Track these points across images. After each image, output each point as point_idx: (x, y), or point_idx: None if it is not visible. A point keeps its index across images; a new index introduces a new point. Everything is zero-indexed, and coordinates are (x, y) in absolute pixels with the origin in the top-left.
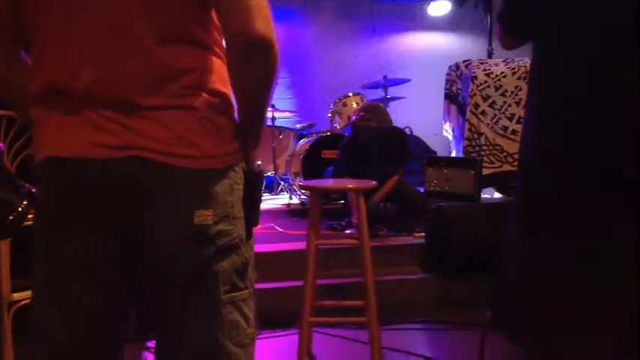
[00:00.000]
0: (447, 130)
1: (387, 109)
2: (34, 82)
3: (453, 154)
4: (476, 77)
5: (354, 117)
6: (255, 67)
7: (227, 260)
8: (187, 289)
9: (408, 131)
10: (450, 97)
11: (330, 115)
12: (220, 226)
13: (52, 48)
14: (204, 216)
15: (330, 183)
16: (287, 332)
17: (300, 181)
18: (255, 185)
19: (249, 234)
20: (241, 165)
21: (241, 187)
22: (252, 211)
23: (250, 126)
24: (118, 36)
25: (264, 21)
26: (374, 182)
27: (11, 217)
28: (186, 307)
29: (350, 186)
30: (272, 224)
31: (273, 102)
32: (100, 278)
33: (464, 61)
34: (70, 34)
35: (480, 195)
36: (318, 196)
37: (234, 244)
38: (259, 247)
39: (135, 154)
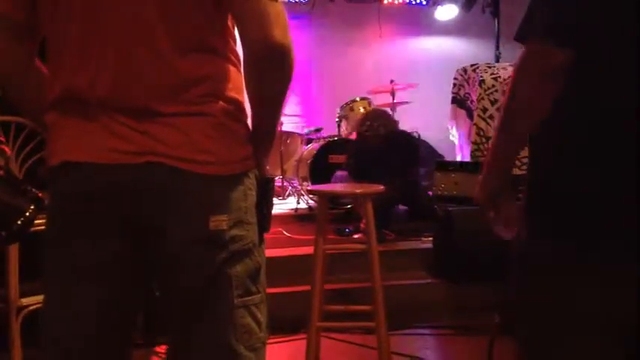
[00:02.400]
0: (454, 135)
1: (394, 113)
2: (51, 88)
3: (458, 159)
4: (484, 81)
5: (359, 127)
6: (272, 74)
7: (240, 265)
8: (201, 293)
9: (415, 135)
10: (458, 101)
11: (337, 119)
12: (234, 231)
13: (71, 55)
14: (218, 221)
15: (338, 187)
16: (294, 337)
17: (308, 186)
18: (267, 191)
19: (261, 239)
20: (254, 171)
21: (254, 192)
22: (264, 217)
23: (263, 132)
24: (137, 45)
25: (281, 29)
26: (381, 187)
27: (19, 223)
28: (200, 311)
29: (358, 191)
30: (280, 229)
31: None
32: (111, 283)
33: (471, 65)
34: (89, 42)
35: None
36: (326, 200)
37: (248, 248)
38: (267, 252)
39: (151, 159)
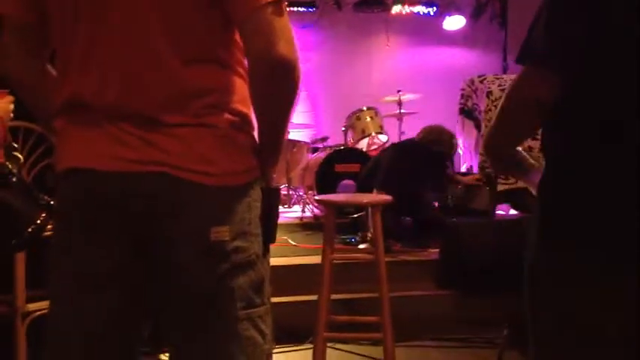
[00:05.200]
0: (460, 146)
1: (401, 123)
2: (58, 95)
3: (463, 169)
4: (491, 92)
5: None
6: (278, 88)
7: (243, 276)
8: (203, 304)
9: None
10: (465, 112)
11: (343, 129)
12: (237, 243)
13: (78, 63)
14: (221, 232)
15: (346, 197)
16: (300, 347)
17: (314, 195)
18: (272, 202)
19: (265, 250)
20: (259, 182)
21: (259, 203)
22: (268, 228)
23: (270, 144)
24: (142, 55)
25: (287, 43)
26: (388, 197)
27: (30, 230)
28: (201, 323)
29: (366, 201)
30: (285, 237)
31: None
32: (117, 290)
33: (479, 76)
34: (95, 50)
35: (494, 211)
36: (333, 210)
37: (251, 260)
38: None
39: (155, 169)
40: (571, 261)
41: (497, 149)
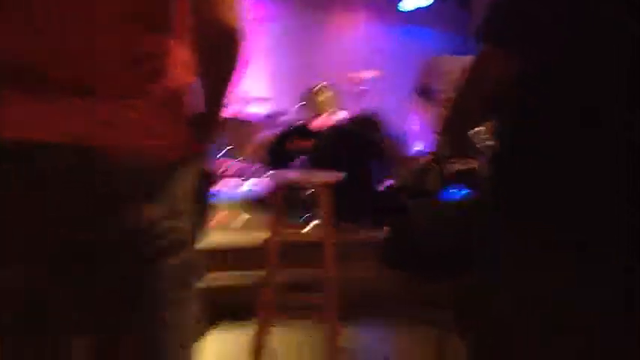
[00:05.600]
0: (416, 124)
1: (359, 100)
2: None
3: (418, 148)
4: (450, 73)
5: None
6: (223, 57)
7: (174, 257)
8: (130, 286)
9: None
10: (422, 91)
11: (298, 106)
12: (168, 222)
13: (16, 27)
14: (151, 210)
15: (295, 175)
16: (244, 326)
17: (266, 171)
18: (207, 180)
19: (199, 230)
20: (195, 158)
21: (193, 181)
22: (202, 207)
23: (209, 117)
24: (81, 22)
25: (234, 12)
26: (341, 175)
27: None
28: (130, 307)
29: (315, 179)
30: (235, 213)
31: (243, 91)
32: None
33: (438, 56)
34: (34, 17)
35: (445, 191)
36: (283, 188)
37: (183, 240)
38: (219, 237)
39: (91, 143)
40: (541, 244)
41: (455, 129)
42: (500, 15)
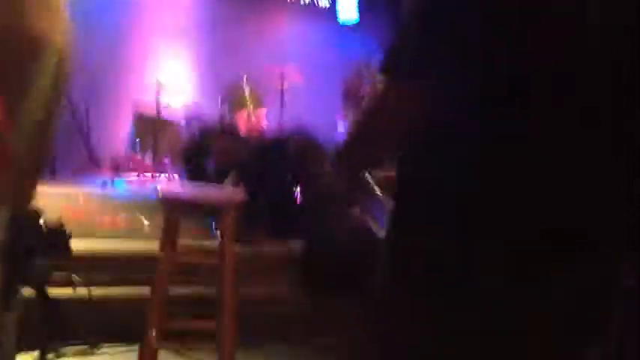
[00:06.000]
0: (341, 129)
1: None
2: None
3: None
4: (376, 79)
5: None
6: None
7: None
8: None
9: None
10: (349, 95)
11: (220, 104)
12: None
13: None
14: None
15: (188, 194)
16: (130, 348)
17: (180, 171)
18: (24, 230)
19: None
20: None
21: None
22: (16, 265)
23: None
24: None
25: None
26: (243, 195)
27: None
28: None
29: (216, 198)
30: (140, 217)
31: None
32: None
33: (366, 62)
34: None
35: (350, 203)
36: (177, 208)
37: None
38: (121, 244)
39: None
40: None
41: (352, 164)
42: (398, 49)
